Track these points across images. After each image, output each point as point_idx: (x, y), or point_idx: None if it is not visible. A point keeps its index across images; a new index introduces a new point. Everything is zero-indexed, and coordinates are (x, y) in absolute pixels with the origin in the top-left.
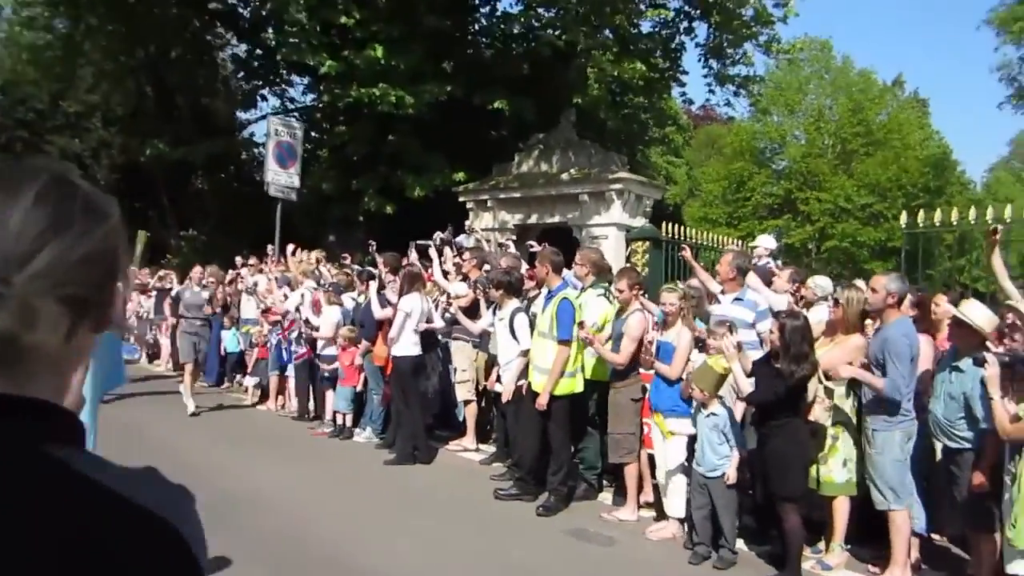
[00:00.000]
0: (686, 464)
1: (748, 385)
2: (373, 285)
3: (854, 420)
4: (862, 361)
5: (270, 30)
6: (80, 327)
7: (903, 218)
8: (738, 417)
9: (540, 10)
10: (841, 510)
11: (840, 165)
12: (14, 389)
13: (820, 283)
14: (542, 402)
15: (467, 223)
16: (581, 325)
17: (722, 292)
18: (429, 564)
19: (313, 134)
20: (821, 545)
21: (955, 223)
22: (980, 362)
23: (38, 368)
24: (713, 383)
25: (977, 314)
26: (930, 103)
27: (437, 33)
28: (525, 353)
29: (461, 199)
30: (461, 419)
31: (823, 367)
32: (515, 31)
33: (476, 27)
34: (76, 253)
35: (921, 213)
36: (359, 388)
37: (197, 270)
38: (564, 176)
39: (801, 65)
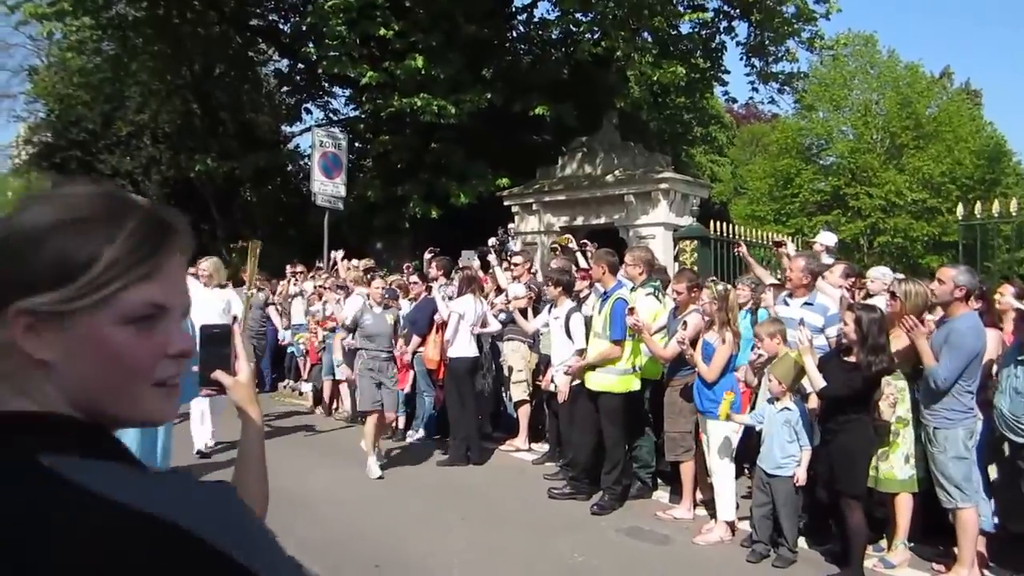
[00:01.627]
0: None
1: (821, 380)
2: (437, 286)
3: (911, 416)
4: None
5: (310, 44)
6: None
7: (959, 210)
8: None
9: (578, 15)
10: (904, 507)
11: (890, 160)
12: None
13: (879, 274)
14: (563, 387)
15: (510, 227)
16: (632, 311)
17: (790, 295)
18: (483, 564)
19: (357, 144)
20: (883, 543)
21: (1013, 214)
22: None
23: None
24: (791, 376)
25: None
26: (983, 94)
27: (476, 42)
28: (581, 352)
29: (506, 203)
30: (514, 420)
31: None
32: (553, 37)
33: (514, 34)
34: None
35: (977, 205)
36: (407, 390)
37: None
38: (608, 178)
39: (845, 60)
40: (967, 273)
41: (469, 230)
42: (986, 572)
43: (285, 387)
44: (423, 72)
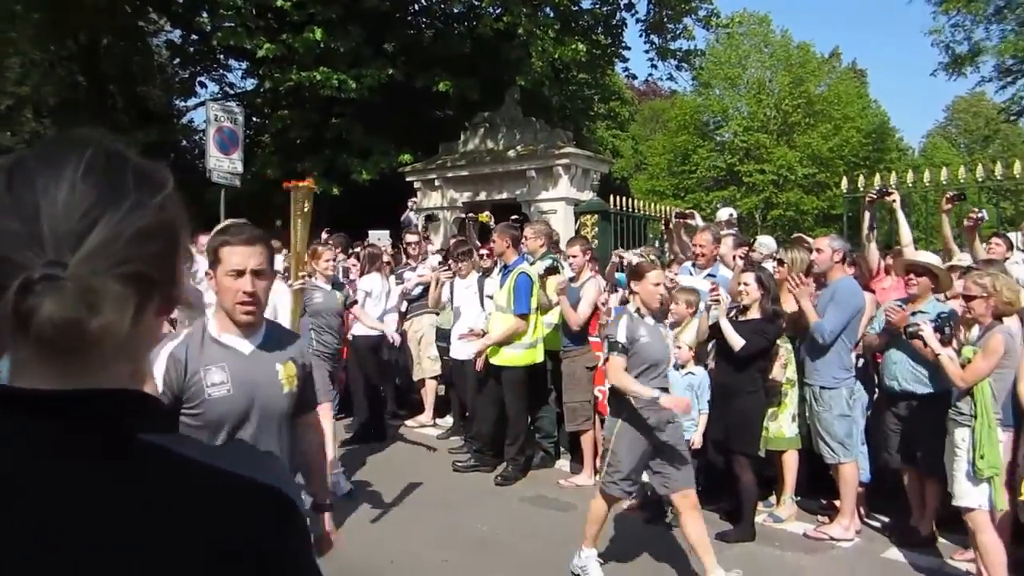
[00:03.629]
0: None
1: (739, 339)
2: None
3: (796, 376)
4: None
5: (204, 14)
6: (147, 307)
7: (844, 184)
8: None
9: None
10: (791, 464)
11: (782, 136)
12: (88, 379)
13: (766, 242)
14: (480, 365)
15: (411, 202)
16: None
17: (693, 266)
18: (391, 538)
19: (254, 119)
20: (772, 499)
21: (894, 188)
22: (913, 335)
23: (109, 355)
24: (697, 341)
25: (931, 257)
26: (868, 74)
27: (376, 15)
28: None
29: (409, 179)
30: (419, 397)
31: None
32: (456, 11)
33: (416, 7)
34: (132, 226)
35: (861, 179)
36: None
37: None
38: (511, 153)
39: (740, 39)
40: (839, 240)
41: (371, 207)
42: (865, 520)
43: None
44: (322, 45)
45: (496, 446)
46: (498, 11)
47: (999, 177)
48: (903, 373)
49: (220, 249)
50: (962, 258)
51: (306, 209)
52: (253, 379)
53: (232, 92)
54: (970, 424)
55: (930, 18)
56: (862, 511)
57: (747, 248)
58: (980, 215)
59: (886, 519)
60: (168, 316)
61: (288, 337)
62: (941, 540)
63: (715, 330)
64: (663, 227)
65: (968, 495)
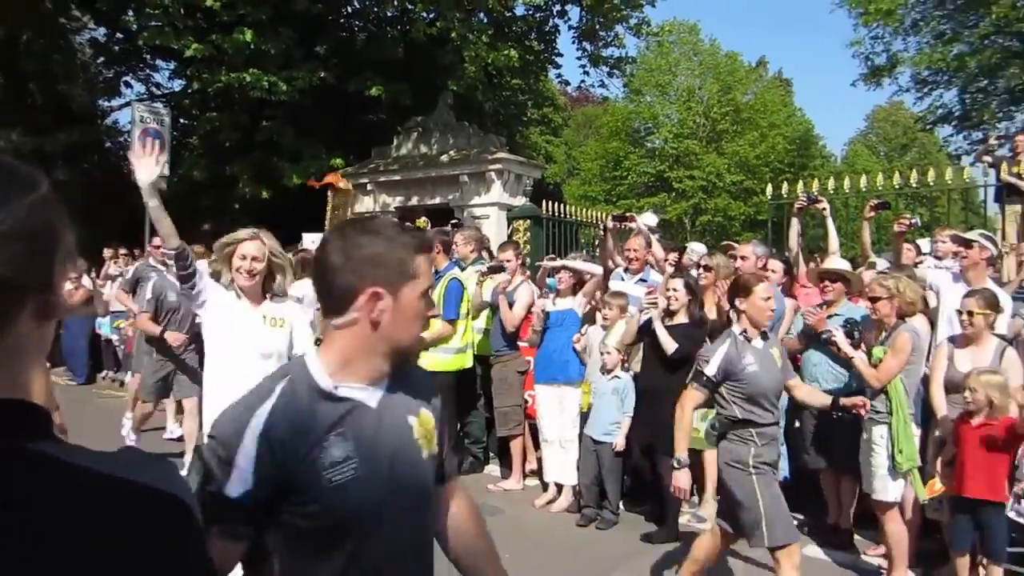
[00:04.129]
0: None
1: (672, 343)
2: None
3: None
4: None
5: (130, 12)
6: (16, 314)
7: (769, 191)
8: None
9: None
10: (711, 463)
11: (711, 143)
12: None
13: (696, 248)
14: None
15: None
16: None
17: (626, 271)
18: None
19: (182, 121)
20: (695, 500)
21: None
22: (827, 340)
23: None
24: (625, 346)
25: (842, 263)
26: (793, 83)
27: (308, 17)
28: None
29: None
30: None
31: None
32: (389, 15)
33: (348, 10)
34: None
35: (785, 185)
36: None
37: None
38: (443, 158)
39: (671, 47)
40: (761, 246)
41: (302, 211)
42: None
43: (104, 378)
44: (252, 46)
45: None
46: (431, 16)
47: (915, 184)
48: (822, 374)
49: (401, 289)
50: (878, 263)
51: (344, 214)
52: (387, 444)
53: (159, 93)
54: (887, 421)
55: (852, 30)
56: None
57: (679, 253)
58: (913, 220)
59: (805, 517)
60: (52, 320)
61: (419, 375)
62: (857, 537)
63: (641, 333)
64: (602, 231)
65: (887, 490)
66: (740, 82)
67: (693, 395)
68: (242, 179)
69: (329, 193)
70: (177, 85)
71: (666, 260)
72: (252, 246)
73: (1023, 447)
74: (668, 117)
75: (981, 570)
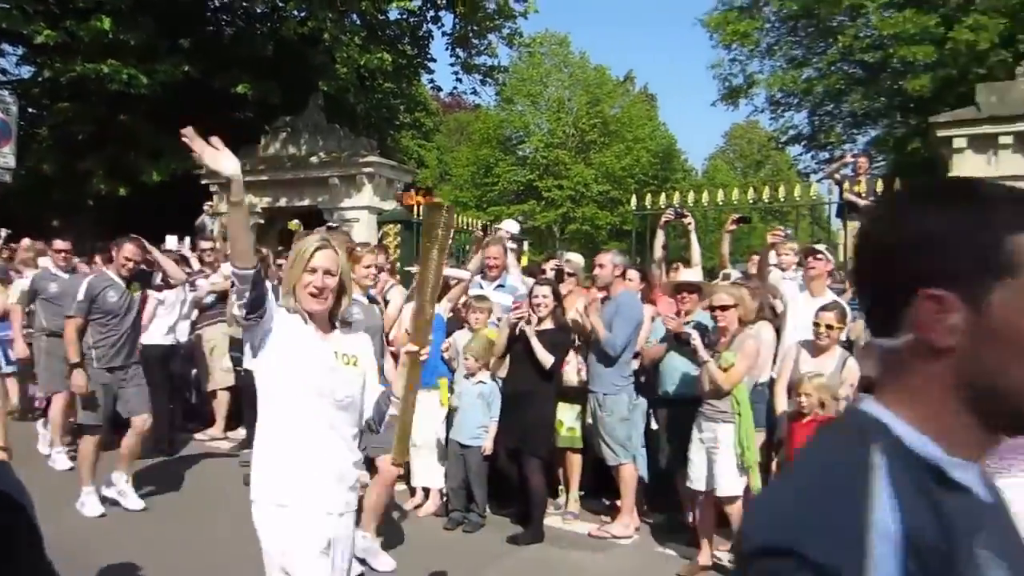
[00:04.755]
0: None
1: (549, 357)
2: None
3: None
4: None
5: None
6: None
7: (633, 201)
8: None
9: None
10: (575, 464)
11: (579, 154)
12: None
13: (573, 258)
14: None
15: (207, 206)
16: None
17: (483, 277)
18: (184, 551)
19: (31, 110)
20: (560, 501)
21: (677, 205)
22: (686, 342)
23: None
24: (484, 352)
25: (694, 274)
26: (658, 99)
27: (171, 8)
28: None
29: (204, 182)
30: (211, 409)
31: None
32: (258, 11)
33: (216, 4)
34: None
35: (649, 197)
36: None
37: None
38: (313, 159)
39: (542, 58)
40: (619, 254)
41: (162, 210)
42: (643, 518)
43: None
44: (110, 36)
45: None
46: (302, 14)
47: (767, 200)
48: (679, 379)
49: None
50: (732, 274)
51: (444, 236)
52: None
53: (5, 79)
54: (733, 421)
55: (712, 51)
56: (643, 508)
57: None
58: (787, 232)
59: (663, 516)
60: None
61: None
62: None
63: (510, 342)
64: (480, 235)
65: (733, 486)
66: (608, 95)
67: None
68: (97, 174)
69: (421, 207)
70: (26, 72)
71: (543, 268)
72: (325, 256)
73: None
74: (538, 126)
75: None
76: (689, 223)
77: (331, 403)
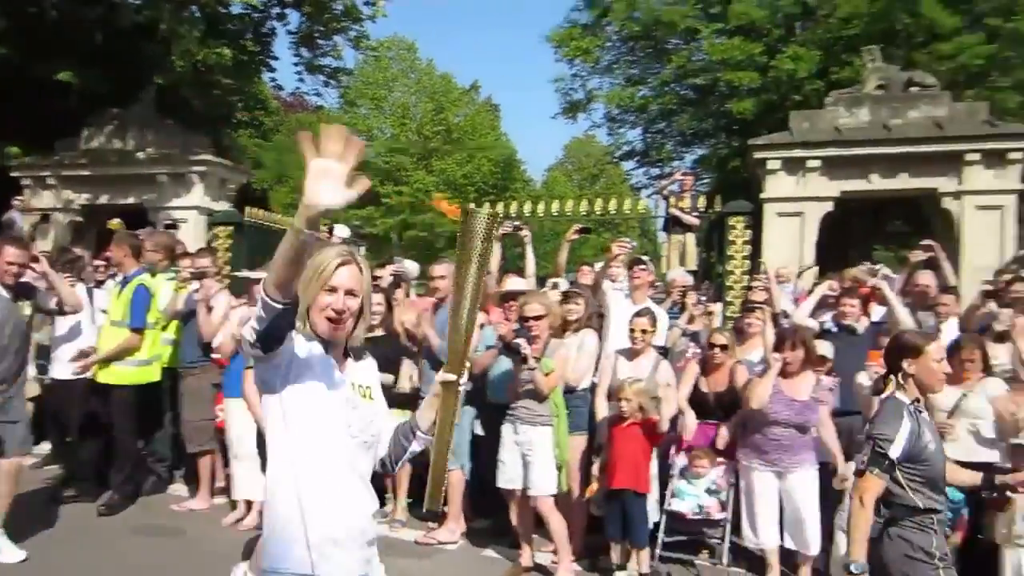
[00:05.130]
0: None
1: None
2: None
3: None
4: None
5: None
6: None
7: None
8: None
9: None
10: (403, 473)
11: (422, 161)
12: None
13: (409, 267)
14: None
15: (16, 201)
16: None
17: None
18: None
19: None
20: (387, 509)
21: (513, 214)
22: (516, 349)
23: None
24: None
25: (519, 283)
26: (501, 109)
27: None
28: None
29: (15, 175)
30: None
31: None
32: None
33: None
34: None
35: (487, 206)
36: None
37: None
38: (140, 155)
39: (388, 63)
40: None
41: None
42: (469, 523)
43: None
44: None
45: (101, 472)
46: (138, 3)
47: (599, 212)
48: (506, 385)
49: None
50: (560, 283)
51: (485, 248)
52: None
53: None
54: (551, 424)
55: (556, 66)
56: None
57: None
58: (632, 244)
59: (488, 520)
60: None
61: None
62: (534, 535)
63: None
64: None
65: (547, 486)
66: (453, 103)
67: (874, 485)
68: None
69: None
70: None
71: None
72: (348, 274)
73: (677, 452)
74: (382, 131)
75: (634, 554)
76: (525, 235)
77: (359, 445)
